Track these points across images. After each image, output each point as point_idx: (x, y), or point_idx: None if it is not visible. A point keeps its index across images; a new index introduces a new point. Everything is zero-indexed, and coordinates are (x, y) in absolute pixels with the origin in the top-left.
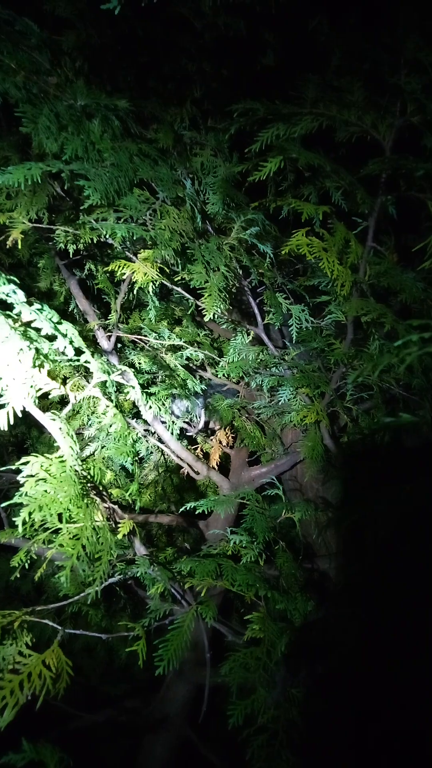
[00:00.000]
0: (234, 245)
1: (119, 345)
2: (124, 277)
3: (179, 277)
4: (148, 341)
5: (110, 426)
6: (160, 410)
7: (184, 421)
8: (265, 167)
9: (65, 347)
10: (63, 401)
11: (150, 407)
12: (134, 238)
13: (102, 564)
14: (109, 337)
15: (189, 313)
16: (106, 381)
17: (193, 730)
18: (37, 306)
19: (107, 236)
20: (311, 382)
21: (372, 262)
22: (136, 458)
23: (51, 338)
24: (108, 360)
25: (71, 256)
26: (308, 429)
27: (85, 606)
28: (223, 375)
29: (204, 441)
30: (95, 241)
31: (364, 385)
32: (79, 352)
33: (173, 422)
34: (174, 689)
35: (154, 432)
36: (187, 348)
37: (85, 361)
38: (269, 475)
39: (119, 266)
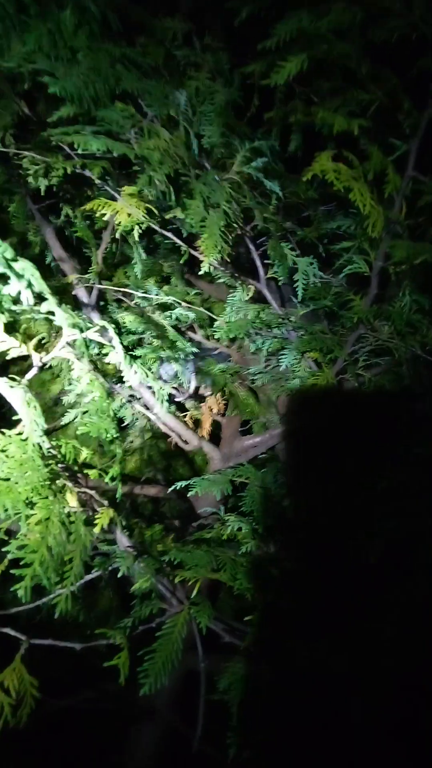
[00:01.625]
0: (235, 181)
1: (102, 303)
2: (106, 218)
3: (170, 215)
4: (134, 298)
5: (87, 395)
6: (147, 376)
7: (173, 387)
8: (283, 67)
9: (20, 291)
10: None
11: (135, 372)
12: (115, 157)
13: (74, 567)
14: (90, 290)
15: (179, 269)
16: (81, 339)
17: (181, 718)
18: None
19: (82, 167)
20: (323, 346)
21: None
22: (117, 434)
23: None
24: (85, 316)
25: (43, 194)
26: None
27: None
28: (218, 337)
29: (194, 408)
30: (70, 173)
31: (381, 350)
32: (40, 298)
33: (161, 388)
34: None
35: (140, 398)
36: (176, 307)
37: (48, 312)
38: (264, 446)
39: (99, 205)
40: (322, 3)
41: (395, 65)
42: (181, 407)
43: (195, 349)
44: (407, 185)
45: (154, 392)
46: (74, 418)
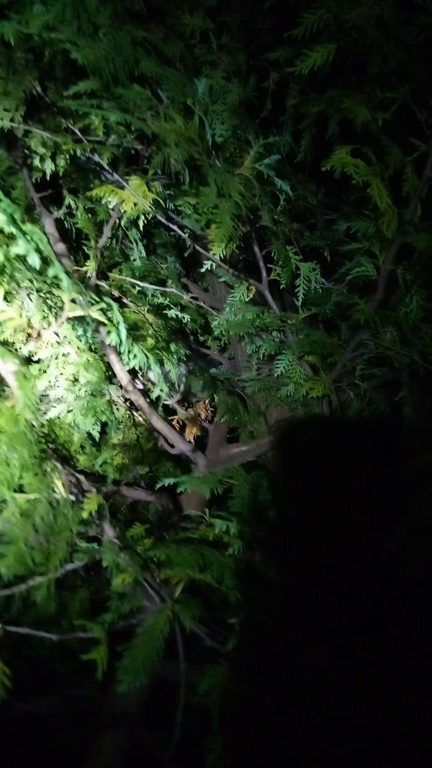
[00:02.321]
0: (247, 177)
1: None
2: (112, 206)
3: (182, 201)
4: (130, 297)
5: (83, 373)
6: (147, 359)
7: (161, 390)
8: (309, 56)
9: (29, 252)
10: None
11: (135, 356)
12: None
13: (59, 550)
14: (86, 284)
15: (176, 272)
16: (81, 317)
17: (149, 730)
18: None
19: (92, 151)
20: (322, 349)
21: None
22: (112, 416)
23: (9, 238)
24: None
25: (48, 179)
26: (307, 404)
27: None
28: (220, 331)
29: (182, 412)
30: (77, 156)
31: (378, 359)
32: (47, 262)
33: (150, 390)
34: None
35: (127, 400)
36: (171, 308)
37: (55, 277)
38: (250, 455)
39: (105, 192)
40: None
41: (423, 63)
42: (169, 411)
43: (188, 351)
44: (424, 187)
45: (144, 392)
46: (59, 413)
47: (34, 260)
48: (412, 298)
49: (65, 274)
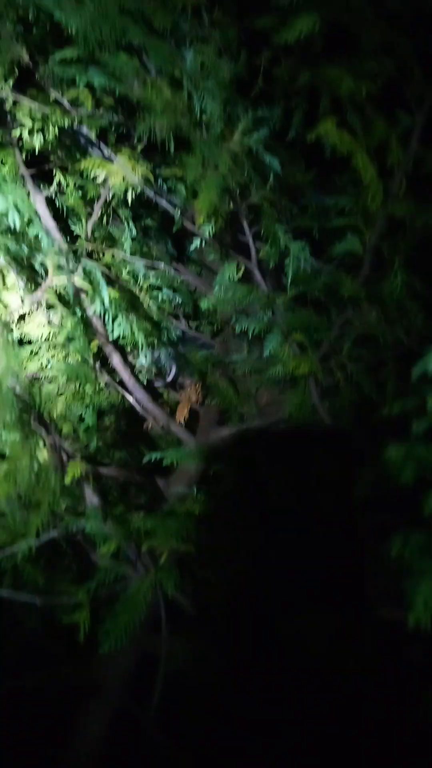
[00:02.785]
0: (235, 152)
1: None
2: (100, 180)
3: (168, 172)
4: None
5: (66, 342)
6: (132, 329)
7: (153, 372)
8: (294, 24)
9: (7, 210)
10: None
11: (119, 324)
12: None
13: (41, 512)
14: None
15: (168, 253)
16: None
17: (134, 700)
18: None
19: (80, 122)
20: (309, 325)
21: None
22: (96, 380)
23: None
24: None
25: (38, 156)
26: (296, 384)
27: (21, 562)
28: (207, 308)
29: (172, 394)
30: (66, 130)
31: (366, 338)
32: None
33: (140, 372)
34: (117, 655)
35: (119, 380)
36: (162, 288)
37: (36, 237)
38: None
39: (93, 165)
40: None
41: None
42: (158, 396)
43: (179, 333)
44: (409, 160)
45: (133, 372)
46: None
47: (14, 218)
48: (397, 274)
49: (46, 233)
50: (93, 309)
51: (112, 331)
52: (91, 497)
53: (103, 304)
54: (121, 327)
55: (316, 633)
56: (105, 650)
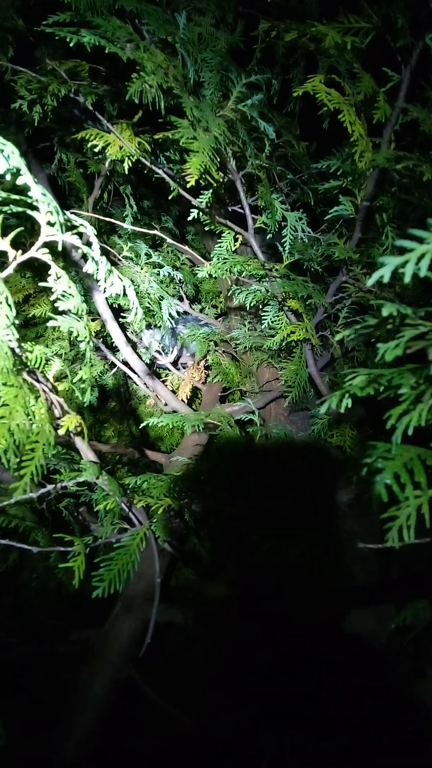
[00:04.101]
0: (230, 119)
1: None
2: (98, 149)
3: (160, 136)
4: (122, 252)
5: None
6: (125, 288)
7: (156, 351)
8: None
9: None
10: None
11: (112, 284)
12: (109, 90)
13: (36, 457)
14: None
15: (169, 231)
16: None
17: (135, 667)
18: None
19: (76, 92)
20: (304, 291)
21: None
22: (90, 336)
23: None
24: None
25: (36, 125)
26: (293, 354)
27: (23, 522)
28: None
29: (176, 373)
30: (64, 97)
31: (360, 306)
32: (16, 173)
33: (144, 351)
34: (120, 624)
35: (124, 360)
36: (164, 266)
37: (24, 185)
38: (242, 413)
39: (91, 135)
40: None
41: None
42: (159, 375)
43: (180, 310)
44: (397, 117)
45: (134, 350)
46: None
47: (2, 167)
48: (387, 235)
49: (34, 182)
50: (85, 267)
51: (105, 290)
52: (87, 452)
53: (95, 261)
54: (114, 286)
55: (293, 550)
56: (98, 595)
